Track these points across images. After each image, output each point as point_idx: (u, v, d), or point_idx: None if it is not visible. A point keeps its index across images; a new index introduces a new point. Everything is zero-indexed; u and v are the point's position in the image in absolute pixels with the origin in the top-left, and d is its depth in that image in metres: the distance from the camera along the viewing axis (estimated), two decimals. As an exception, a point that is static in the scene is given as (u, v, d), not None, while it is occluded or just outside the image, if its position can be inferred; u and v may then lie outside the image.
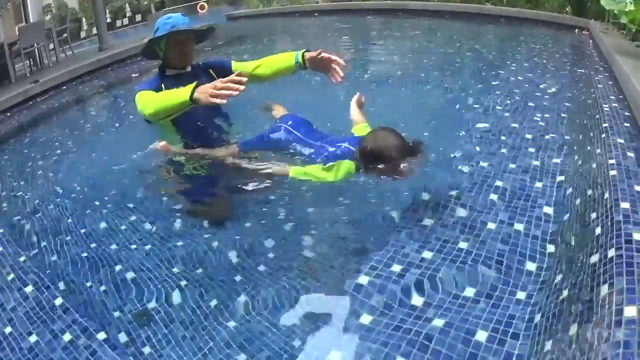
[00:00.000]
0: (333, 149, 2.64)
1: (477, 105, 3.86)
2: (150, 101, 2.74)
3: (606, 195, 1.89)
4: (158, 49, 3.09)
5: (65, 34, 10.39)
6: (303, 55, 2.95)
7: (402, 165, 2.25)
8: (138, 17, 20.45)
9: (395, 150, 2.25)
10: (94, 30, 10.91)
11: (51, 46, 9.70)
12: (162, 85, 2.94)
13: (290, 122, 2.93)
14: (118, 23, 19.83)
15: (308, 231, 2.38)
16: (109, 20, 18.12)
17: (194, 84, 2.47)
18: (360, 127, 2.82)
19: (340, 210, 2.50)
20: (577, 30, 6.86)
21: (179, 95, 2.52)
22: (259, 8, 13.94)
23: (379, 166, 2.32)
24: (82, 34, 18.07)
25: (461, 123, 3.46)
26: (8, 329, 1.98)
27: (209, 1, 18.99)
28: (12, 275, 2.34)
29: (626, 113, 2.95)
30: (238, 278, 2.12)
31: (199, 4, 18.63)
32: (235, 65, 3.18)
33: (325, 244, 2.27)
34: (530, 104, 3.72)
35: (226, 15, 13.22)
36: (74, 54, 10.20)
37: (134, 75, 7.33)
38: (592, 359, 1.20)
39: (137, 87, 2.97)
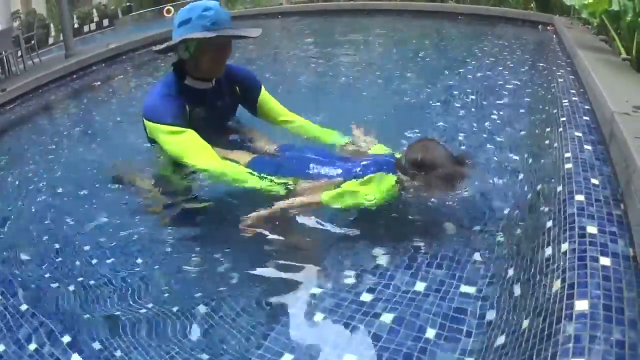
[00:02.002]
0: (365, 162, 2.29)
1: (436, 104, 3.91)
2: (224, 170, 2.25)
3: (559, 188, 1.91)
4: (184, 50, 2.35)
5: (33, 41, 10.16)
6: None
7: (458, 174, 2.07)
8: (106, 22, 20.31)
9: (448, 159, 2.07)
10: (62, 37, 10.77)
11: (19, 53, 9.44)
12: (186, 106, 2.39)
13: (291, 150, 2.57)
14: (85, 28, 19.60)
15: (263, 238, 2.31)
16: (76, 25, 17.95)
17: (292, 186, 2.15)
18: (379, 147, 2.57)
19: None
20: (540, 26, 6.96)
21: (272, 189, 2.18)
22: None
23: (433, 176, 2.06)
24: (51, 40, 17.87)
25: (420, 122, 3.52)
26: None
27: (175, 5, 18.93)
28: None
29: (586, 106, 2.99)
30: (201, 286, 2.11)
31: (165, 8, 18.56)
32: (264, 96, 2.74)
33: (279, 248, 2.24)
34: (487, 102, 3.76)
35: None
36: (41, 61, 9.96)
37: (96, 83, 7.21)
38: (542, 353, 1.21)
39: (152, 111, 2.33)
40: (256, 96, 2.71)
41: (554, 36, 6.11)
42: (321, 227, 2.27)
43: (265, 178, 2.27)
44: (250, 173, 2.29)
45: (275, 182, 2.24)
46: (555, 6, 7.31)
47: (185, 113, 2.37)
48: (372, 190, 2.12)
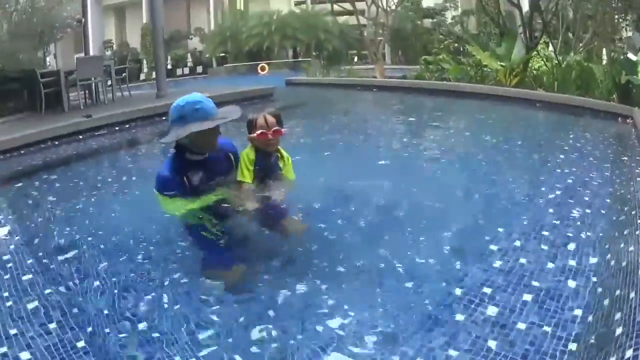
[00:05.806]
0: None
1: (520, 199, 3.84)
2: None
3: (632, 295, 1.90)
4: (185, 137, 2.83)
5: (125, 74, 10.39)
6: None
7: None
8: (199, 69, 20.94)
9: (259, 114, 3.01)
10: (154, 74, 11.22)
11: (108, 83, 9.77)
12: (184, 178, 2.92)
13: None
14: (179, 71, 20.19)
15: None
16: (169, 67, 18.54)
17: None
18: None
19: (373, 301, 2.42)
20: (620, 118, 6.84)
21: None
22: (316, 77, 14.18)
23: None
24: (142, 76, 18.57)
25: (501, 215, 3.45)
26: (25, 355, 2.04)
27: (270, 64, 19.46)
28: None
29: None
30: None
31: (260, 65, 19.07)
32: None
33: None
34: (571, 200, 3.68)
35: (285, 81, 13.34)
36: (130, 95, 10.35)
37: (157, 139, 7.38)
38: None
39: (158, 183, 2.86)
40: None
41: (633, 130, 5.99)
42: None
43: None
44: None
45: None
46: (636, 98, 7.19)
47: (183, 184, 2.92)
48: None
